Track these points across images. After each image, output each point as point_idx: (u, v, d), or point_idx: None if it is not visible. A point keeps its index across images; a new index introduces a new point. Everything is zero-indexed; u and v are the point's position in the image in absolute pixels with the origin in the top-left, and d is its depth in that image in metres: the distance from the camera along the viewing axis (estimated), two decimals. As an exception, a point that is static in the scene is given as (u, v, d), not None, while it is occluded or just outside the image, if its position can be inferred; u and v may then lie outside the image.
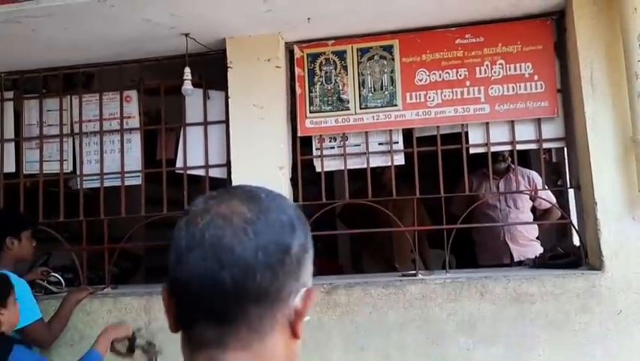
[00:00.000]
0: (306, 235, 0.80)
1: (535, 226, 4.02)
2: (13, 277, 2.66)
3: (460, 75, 3.05)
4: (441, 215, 3.17)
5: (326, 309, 2.91)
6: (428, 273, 3.07)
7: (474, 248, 4.19)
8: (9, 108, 3.53)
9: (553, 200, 3.76)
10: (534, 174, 3.88)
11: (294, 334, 0.78)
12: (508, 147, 3.09)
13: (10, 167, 3.48)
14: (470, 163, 3.14)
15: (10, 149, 3.50)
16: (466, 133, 3.08)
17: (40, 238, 3.12)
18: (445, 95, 3.05)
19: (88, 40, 3.09)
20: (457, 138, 3.12)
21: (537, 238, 4.05)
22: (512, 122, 3.02)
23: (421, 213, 3.61)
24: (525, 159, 4.30)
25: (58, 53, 3.26)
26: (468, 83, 3.04)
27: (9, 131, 3.51)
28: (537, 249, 3.93)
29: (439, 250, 3.99)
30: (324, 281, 3.02)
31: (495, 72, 3.02)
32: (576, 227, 3.06)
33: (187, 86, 3.03)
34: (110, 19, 2.80)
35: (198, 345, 0.75)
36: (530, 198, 3.95)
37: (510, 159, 3.79)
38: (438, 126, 3.08)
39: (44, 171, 3.45)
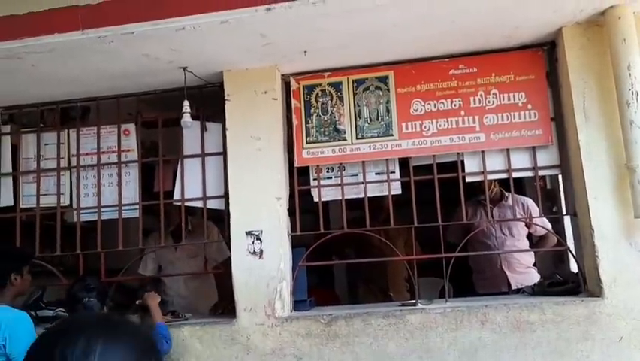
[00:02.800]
0: None
1: (532, 253, 4.03)
2: (16, 312, 2.64)
3: (455, 105, 3.10)
4: (434, 243, 3.19)
5: (326, 341, 2.88)
6: (428, 302, 3.06)
7: (471, 276, 4.19)
8: (6, 142, 3.54)
9: (549, 226, 3.78)
10: (529, 201, 3.91)
11: None
12: (504, 175, 3.11)
13: (7, 201, 3.47)
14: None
15: (7, 183, 3.50)
16: (462, 162, 3.12)
17: (36, 272, 3.09)
18: (440, 125, 3.10)
19: (86, 75, 3.13)
20: (452, 166, 3.15)
21: (534, 265, 4.05)
22: (507, 150, 3.06)
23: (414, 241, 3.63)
24: (519, 186, 4.33)
25: (57, 87, 3.29)
26: (463, 113, 3.08)
27: (7, 166, 3.51)
28: (534, 276, 3.93)
29: (434, 278, 4.00)
30: (323, 312, 3.00)
31: (489, 102, 3.07)
32: (574, 254, 3.07)
33: (186, 118, 3.06)
34: (109, 54, 2.84)
35: None
36: (526, 225, 3.96)
37: (497, 188, 3.83)
38: (434, 155, 3.11)
39: (41, 205, 3.44)
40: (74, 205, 3.45)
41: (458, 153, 3.10)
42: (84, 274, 3.09)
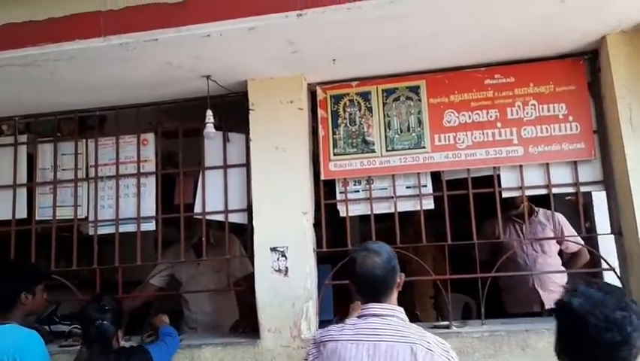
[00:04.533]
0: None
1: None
2: (26, 331, 2.51)
3: (491, 116, 2.95)
4: (461, 258, 3.07)
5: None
6: (462, 324, 2.90)
7: (499, 294, 4.01)
8: (22, 152, 3.44)
9: (581, 242, 3.60)
10: (560, 217, 3.73)
11: (398, 287, 2.01)
12: (543, 191, 2.95)
13: (21, 213, 3.36)
14: (489, 206, 3.02)
15: (22, 194, 3.39)
16: (498, 176, 2.96)
17: (50, 286, 2.97)
18: (475, 137, 2.95)
19: (106, 83, 3.02)
20: (485, 180, 3.00)
21: (566, 283, 3.87)
22: (547, 164, 2.90)
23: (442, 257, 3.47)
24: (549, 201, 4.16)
25: (74, 96, 3.19)
26: (499, 125, 2.94)
27: (22, 176, 3.41)
28: (566, 296, 3.74)
29: (457, 294, 3.84)
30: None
31: (527, 113, 2.92)
32: (619, 275, 2.89)
33: (209, 129, 2.93)
34: (130, 62, 2.73)
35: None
36: (557, 242, 3.78)
37: (527, 203, 3.67)
38: (468, 169, 2.96)
39: (57, 217, 3.33)
40: (91, 217, 3.33)
41: (494, 167, 2.95)
42: (100, 292, 2.96)
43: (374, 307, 1.93)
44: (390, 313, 1.92)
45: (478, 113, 2.96)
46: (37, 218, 3.36)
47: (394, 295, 1.98)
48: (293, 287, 2.87)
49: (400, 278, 2.01)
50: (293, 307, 2.85)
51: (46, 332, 3.30)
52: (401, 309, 1.96)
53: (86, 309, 2.50)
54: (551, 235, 3.59)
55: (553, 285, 3.76)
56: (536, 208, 3.74)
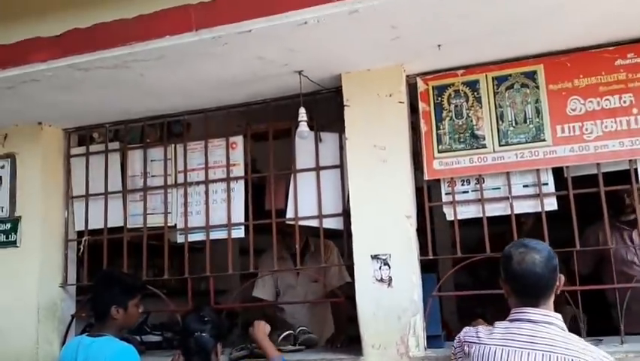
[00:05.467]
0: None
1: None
2: (121, 344, 2.40)
3: (625, 102, 2.56)
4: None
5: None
6: (596, 341, 2.50)
7: (608, 309, 3.51)
8: (115, 160, 3.38)
9: None
10: None
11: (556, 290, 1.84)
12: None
13: (117, 221, 3.30)
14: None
15: (117, 202, 3.32)
16: (635, 170, 2.56)
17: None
18: (606, 126, 2.56)
19: (194, 84, 2.89)
20: (613, 176, 2.61)
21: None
22: (697, 156, 2.48)
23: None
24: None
25: (162, 99, 3.09)
26: (635, 111, 2.54)
27: (115, 184, 3.35)
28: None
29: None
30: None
31: (670, 96, 2.50)
32: None
33: (303, 128, 2.72)
34: (220, 58, 2.57)
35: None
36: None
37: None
38: (598, 163, 2.58)
39: (147, 225, 3.24)
40: (180, 224, 3.22)
41: (630, 160, 2.55)
42: (200, 304, 2.83)
43: (529, 312, 1.78)
44: (547, 320, 1.76)
45: (608, 99, 2.58)
46: (128, 226, 3.28)
47: (552, 299, 1.82)
48: (398, 299, 2.60)
49: (560, 281, 1.83)
50: (399, 321, 2.58)
51: (138, 343, 3.21)
52: (559, 316, 1.79)
53: (186, 320, 2.36)
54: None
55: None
56: None
